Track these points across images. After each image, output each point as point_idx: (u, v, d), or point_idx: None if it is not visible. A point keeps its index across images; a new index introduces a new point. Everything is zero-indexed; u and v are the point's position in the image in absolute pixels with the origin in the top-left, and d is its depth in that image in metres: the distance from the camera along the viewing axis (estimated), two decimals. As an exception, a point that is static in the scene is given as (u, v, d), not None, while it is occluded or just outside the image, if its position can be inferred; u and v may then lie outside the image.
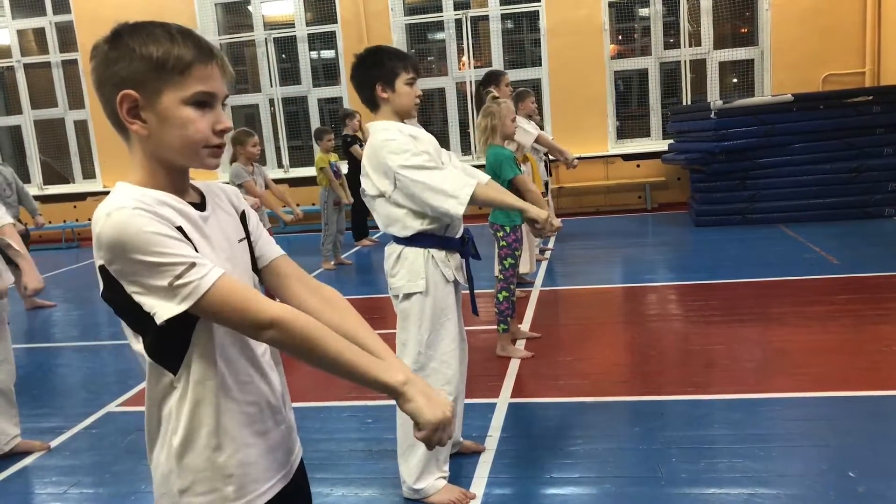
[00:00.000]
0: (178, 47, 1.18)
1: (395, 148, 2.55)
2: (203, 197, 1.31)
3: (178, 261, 1.12)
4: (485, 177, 2.80)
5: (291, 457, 1.41)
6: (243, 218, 1.38)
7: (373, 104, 2.67)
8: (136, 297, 1.14)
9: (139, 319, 1.17)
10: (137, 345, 1.22)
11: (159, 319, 1.13)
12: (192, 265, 1.13)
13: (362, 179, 2.68)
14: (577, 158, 6.72)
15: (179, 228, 1.17)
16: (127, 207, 1.13)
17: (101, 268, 1.16)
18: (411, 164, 2.52)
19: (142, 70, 1.17)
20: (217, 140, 1.24)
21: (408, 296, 2.67)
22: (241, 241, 1.35)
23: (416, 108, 2.68)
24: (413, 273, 2.65)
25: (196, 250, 1.18)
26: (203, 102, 1.21)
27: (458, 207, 2.52)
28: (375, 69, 2.61)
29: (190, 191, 1.30)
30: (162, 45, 1.17)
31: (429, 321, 2.66)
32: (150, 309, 1.13)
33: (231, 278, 1.17)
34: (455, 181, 2.54)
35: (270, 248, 1.41)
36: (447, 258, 2.68)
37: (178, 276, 1.12)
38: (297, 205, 6.83)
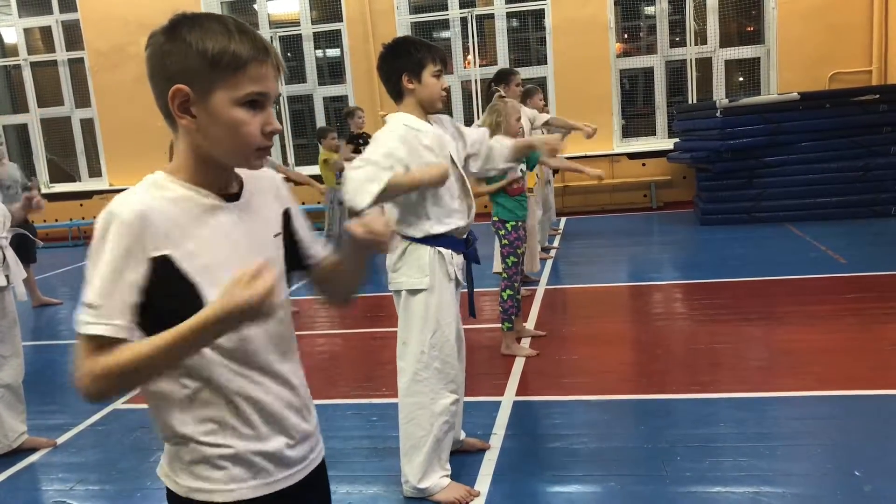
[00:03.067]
0: (234, 44, 1.15)
1: (371, 148, 2.57)
2: (242, 187, 1.30)
3: (91, 292, 1.13)
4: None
5: (301, 464, 1.37)
6: (286, 214, 1.37)
7: (398, 95, 2.66)
8: None
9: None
10: None
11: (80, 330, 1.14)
12: (92, 307, 1.12)
13: None
14: (584, 156, 6.71)
15: (159, 259, 1.15)
16: (120, 215, 1.14)
17: None
18: (356, 166, 2.52)
19: (195, 65, 1.15)
20: (266, 142, 1.22)
21: (411, 293, 2.65)
22: (276, 236, 1.33)
23: (442, 101, 2.67)
24: (418, 270, 2.63)
25: (171, 264, 1.16)
26: (255, 102, 1.19)
27: (361, 198, 2.46)
28: (402, 59, 2.60)
29: (232, 182, 1.29)
30: (218, 41, 1.15)
31: (433, 320, 2.64)
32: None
33: (95, 343, 1.13)
34: (357, 181, 2.47)
35: (317, 249, 1.43)
36: (451, 257, 2.67)
37: (86, 304, 1.13)
38: (302, 203, 6.96)
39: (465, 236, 2.74)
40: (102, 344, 1.13)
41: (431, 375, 2.65)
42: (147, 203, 1.17)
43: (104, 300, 1.12)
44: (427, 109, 2.66)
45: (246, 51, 1.16)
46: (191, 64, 1.15)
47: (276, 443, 1.30)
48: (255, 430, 1.28)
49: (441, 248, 2.64)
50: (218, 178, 1.26)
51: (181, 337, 1.09)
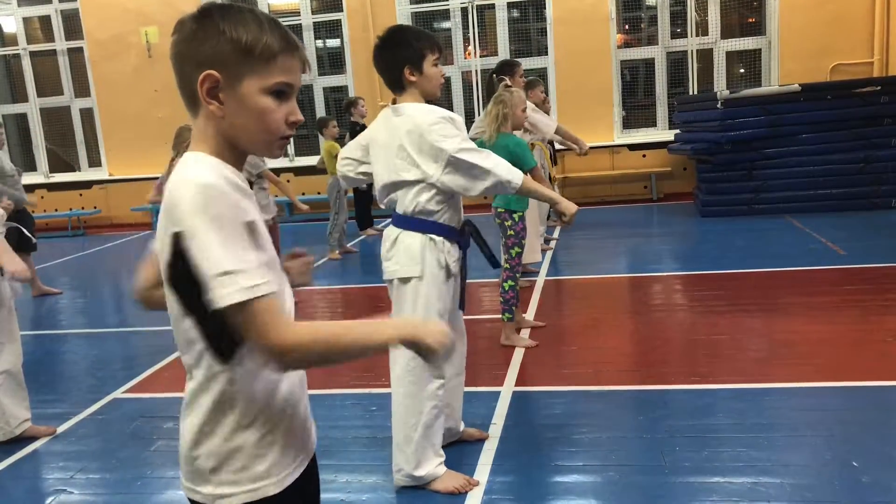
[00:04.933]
0: (266, 35, 1.19)
1: (446, 132, 2.54)
2: None
3: (224, 260, 1.09)
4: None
5: (309, 443, 1.40)
6: None
7: (398, 86, 2.62)
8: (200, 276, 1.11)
9: (198, 298, 1.13)
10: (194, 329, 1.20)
11: (213, 305, 1.09)
12: (235, 272, 1.09)
13: (396, 163, 2.60)
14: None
15: (251, 223, 1.16)
16: (209, 184, 1.13)
17: (176, 236, 1.13)
18: (466, 147, 2.54)
19: (228, 52, 1.17)
20: (289, 131, 1.25)
21: (403, 280, 2.65)
22: None
23: (441, 89, 2.67)
24: (410, 257, 2.62)
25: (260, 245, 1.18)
26: (281, 92, 1.22)
27: (511, 191, 2.65)
28: (403, 50, 2.57)
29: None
30: (251, 31, 1.18)
31: (423, 308, 2.63)
32: (208, 291, 1.09)
33: (273, 300, 1.13)
34: (506, 164, 2.63)
35: None
36: (443, 244, 2.65)
37: (216, 276, 1.09)
38: (303, 193, 6.97)
39: (460, 225, 2.72)
40: (273, 306, 1.12)
41: (422, 364, 2.64)
42: (223, 176, 1.17)
43: (243, 264, 1.10)
44: (427, 99, 2.65)
45: (277, 42, 1.20)
46: (223, 50, 1.18)
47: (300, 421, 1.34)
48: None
49: (433, 235, 2.63)
50: (238, 162, 1.28)
51: (367, 334, 1.19)
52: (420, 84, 2.60)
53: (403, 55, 2.56)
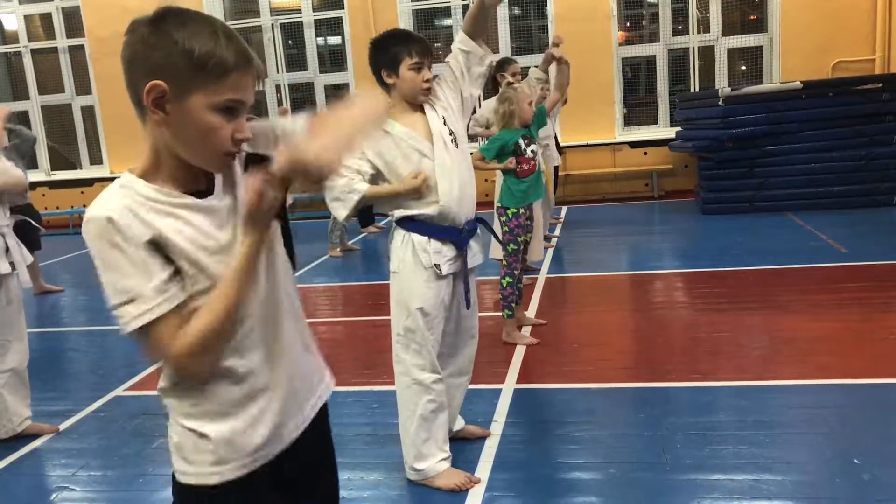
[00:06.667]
0: (220, 49, 1.16)
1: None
2: (212, 180, 1.29)
3: (121, 291, 1.17)
4: None
5: (295, 420, 1.48)
6: None
7: (385, 88, 2.71)
8: None
9: None
10: None
11: (122, 332, 1.18)
12: (131, 301, 1.17)
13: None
14: (586, 144, 6.83)
15: (151, 241, 1.18)
16: (101, 218, 1.16)
17: None
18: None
19: (178, 64, 1.15)
20: (234, 149, 1.23)
21: (391, 274, 2.75)
22: None
23: (425, 93, 2.66)
24: (392, 252, 2.73)
25: (170, 259, 1.20)
26: (231, 109, 1.20)
27: (340, 211, 2.64)
28: (380, 54, 2.66)
29: (201, 178, 1.27)
30: (205, 44, 1.15)
31: (404, 304, 2.68)
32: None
33: (165, 322, 1.18)
34: (347, 187, 2.61)
35: None
36: (428, 243, 2.65)
37: (115, 307, 1.18)
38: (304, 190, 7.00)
39: (454, 223, 2.68)
40: (169, 322, 1.19)
41: (410, 357, 2.70)
42: (122, 205, 1.19)
43: (132, 294, 1.18)
44: (409, 102, 2.69)
45: (231, 58, 1.17)
46: (174, 62, 1.15)
47: None
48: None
49: (414, 235, 2.66)
50: (183, 171, 1.25)
51: (237, 271, 1.20)
52: (398, 87, 2.66)
53: (380, 59, 2.66)
